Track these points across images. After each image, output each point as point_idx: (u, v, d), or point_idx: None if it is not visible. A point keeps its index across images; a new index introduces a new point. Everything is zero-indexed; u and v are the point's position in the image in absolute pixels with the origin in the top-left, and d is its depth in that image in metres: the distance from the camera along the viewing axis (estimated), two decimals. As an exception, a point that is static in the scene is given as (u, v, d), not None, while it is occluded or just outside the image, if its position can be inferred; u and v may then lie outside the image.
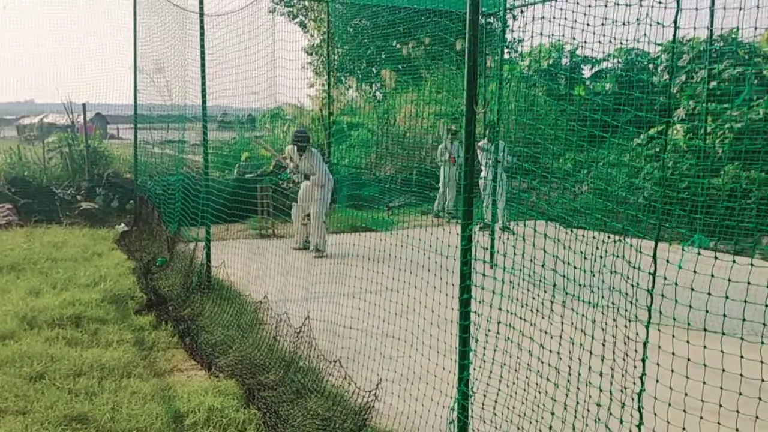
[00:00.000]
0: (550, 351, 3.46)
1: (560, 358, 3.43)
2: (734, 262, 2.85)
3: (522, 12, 16.91)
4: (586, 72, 18.31)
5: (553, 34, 3.36)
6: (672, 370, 2.98)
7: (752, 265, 2.98)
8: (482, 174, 11.03)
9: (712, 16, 10.05)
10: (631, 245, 3.03)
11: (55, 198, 13.52)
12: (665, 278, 2.83)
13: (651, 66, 15.44)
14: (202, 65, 7.75)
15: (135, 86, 12.65)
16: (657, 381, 2.92)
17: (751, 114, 11.75)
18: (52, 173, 15.26)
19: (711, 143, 11.69)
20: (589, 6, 2.78)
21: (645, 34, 2.63)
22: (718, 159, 11.50)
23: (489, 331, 3.62)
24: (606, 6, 2.64)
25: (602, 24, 2.72)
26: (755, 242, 9.85)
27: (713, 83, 12.38)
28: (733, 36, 13.55)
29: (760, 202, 10.43)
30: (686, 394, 2.92)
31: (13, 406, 4.71)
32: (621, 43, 2.93)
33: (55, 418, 4.50)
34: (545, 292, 3.52)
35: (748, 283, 3.10)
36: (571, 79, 16.38)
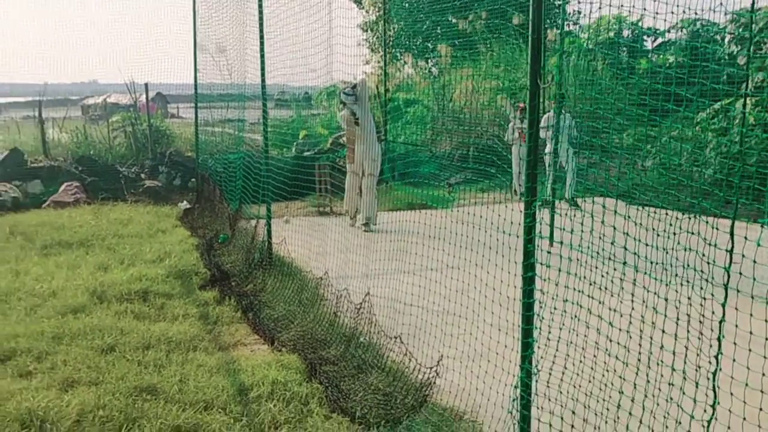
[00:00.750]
0: (620, 329, 3.39)
1: (630, 337, 3.36)
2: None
3: (582, -17, 16.45)
4: (649, 44, 17.76)
5: (621, 5, 3.25)
6: (750, 350, 2.88)
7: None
8: (546, 149, 10.78)
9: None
10: (706, 222, 2.93)
11: (120, 176, 13.88)
12: (743, 255, 2.73)
13: (718, 37, 14.87)
14: (261, 44, 7.78)
15: (195, 66, 12.82)
16: (734, 361, 2.84)
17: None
18: (117, 152, 15.66)
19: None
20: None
21: (721, 3, 2.51)
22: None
23: (555, 309, 3.56)
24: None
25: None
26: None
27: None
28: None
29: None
30: (764, 374, 2.83)
31: (85, 377, 4.87)
32: (696, 13, 2.80)
33: (126, 389, 4.63)
34: (615, 269, 3.44)
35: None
36: (634, 51, 15.90)
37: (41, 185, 13.16)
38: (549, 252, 3.52)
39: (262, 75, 7.85)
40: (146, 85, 16.79)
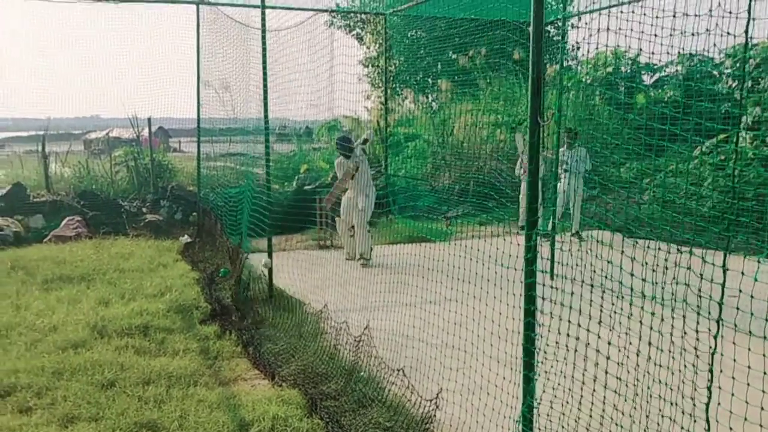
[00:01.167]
0: (617, 363, 3.41)
1: (627, 370, 3.38)
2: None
3: (580, 20, 16.70)
4: (647, 79, 17.95)
5: (618, 45, 3.33)
6: (748, 384, 2.91)
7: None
8: (559, 185, 10.84)
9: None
10: (700, 258, 2.97)
11: (122, 210, 13.95)
12: (740, 290, 2.77)
13: (715, 72, 15.06)
14: (264, 79, 7.90)
15: (198, 100, 12.97)
16: (732, 395, 2.86)
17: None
18: (119, 186, 15.74)
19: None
20: (657, 17, 2.75)
21: (715, 45, 2.59)
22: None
23: (557, 343, 3.58)
24: (674, 17, 2.61)
25: (670, 34, 2.69)
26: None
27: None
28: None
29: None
30: (763, 408, 2.85)
31: (85, 412, 4.87)
32: (690, 54, 2.88)
33: (126, 425, 4.63)
34: (612, 303, 3.48)
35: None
36: (632, 87, 16.08)
37: (43, 220, 13.21)
38: (548, 286, 3.55)
39: (265, 110, 7.96)
40: (149, 119, 16.94)
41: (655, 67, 17.19)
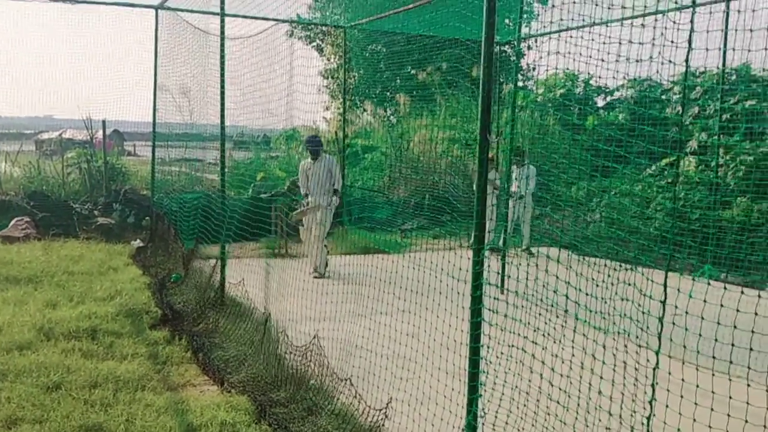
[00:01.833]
0: (561, 375, 3.53)
1: (571, 383, 3.50)
2: (742, 293, 2.93)
3: (536, 42, 17.08)
4: (600, 101, 18.42)
5: (565, 68, 3.47)
6: (681, 396, 3.04)
7: (760, 296, 3.05)
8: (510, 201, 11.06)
9: (724, 55, 10.18)
10: (642, 274, 3.11)
11: (73, 213, 13.69)
12: (676, 307, 2.91)
13: (663, 97, 15.55)
14: (222, 86, 7.91)
15: (154, 104, 12.85)
16: (667, 407, 2.99)
17: (763, 147, 11.82)
18: (71, 188, 15.46)
19: (723, 175, 11.75)
20: (604, 43, 2.89)
21: (657, 72, 2.74)
22: (729, 191, 11.55)
23: (502, 353, 3.69)
24: (620, 44, 2.75)
25: (616, 60, 2.83)
26: (766, 276, 9.86)
27: (725, 116, 12.47)
28: (746, 70, 13.64)
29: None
30: (695, 420, 2.98)
31: (30, 415, 4.80)
32: (640, 79, 3.02)
33: (71, 428, 4.59)
34: (557, 317, 3.60)
35: (756, 314, 3.16)
36: (584, 109, 16.50)
37: (-10, 219, 12.90)
38: (497, 299, 3.65)
39: (222, 117, 7.95)
40: (104, 121, 16.69)
41: (606, 90, 17.67)
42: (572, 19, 3.29)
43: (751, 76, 13.56)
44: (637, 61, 2.76)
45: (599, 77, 3.18)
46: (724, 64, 10.95)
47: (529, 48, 18.28)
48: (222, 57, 7.94)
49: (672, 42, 2.52)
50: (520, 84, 15.85)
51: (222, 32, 7.98)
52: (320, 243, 10.04)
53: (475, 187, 11.84)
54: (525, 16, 16.44)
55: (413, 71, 19.43)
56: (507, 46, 14.99)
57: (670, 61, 2.61)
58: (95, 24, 16.21)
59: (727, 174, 11.71)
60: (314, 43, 24.53)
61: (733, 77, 13.58)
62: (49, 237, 12.38)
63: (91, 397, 5.16)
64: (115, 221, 13.78)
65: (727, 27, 9.04)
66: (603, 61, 2.95)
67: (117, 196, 14.63)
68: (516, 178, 11.67)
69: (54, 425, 4.63)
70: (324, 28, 22.93)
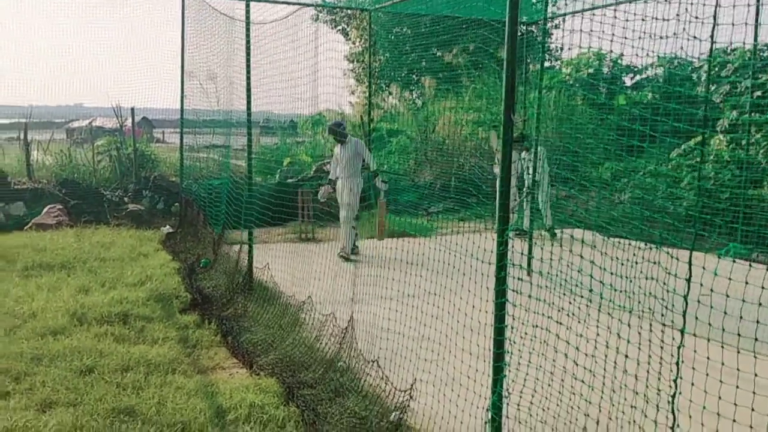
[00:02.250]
0: (586, 354, 3.52)
1: (596, 362, 3.49)
2: (769, 270, 2.90)
3: (564, 21, 16.84)
4: (627, 81, 18.15)
5: (591, 47, 3.44)
6: (707, 374, 3.02)
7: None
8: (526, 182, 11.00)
9: (756, 29, 9.94)
10: (668, 253, 3.08)
11: (104, 200, 13.91)
12: (701, 285, 2.88)
13: (694, 76, 15.26)
14: (248, 72, 7.94)
15: (182, 91, 12.96)
16: (692, 385, 2.97)
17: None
18: (101, 175, 15.68)
19: (754, 154, 11.52)
20: (627, 20, 2.85)
21: (682, 48, 2.70)
22: (761, 170, 11.34)
23: (526, 334, 3.69)
24: (643, 20, 2.71)
25: (640, 37, 2.79)
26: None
27: (757, 93, 12.21)
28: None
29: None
30: (720, 398, 2.97)
31: (64, 398, 4.91)
32: (658, 56, 2.98)
33: (104, 411, 4.68)
34: (582, 297, 3.59)
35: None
36: (612, 88, 16.27)
37: (24, 207, 13.16)
38: (521, 279, 3.65)
39: (248, 103, 7.99)
40: (132, 109, 16.87)
41: (635, 69, 17.39)
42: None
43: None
44: (661, 37, 2.71)
45: (625, 55, 3.13)
46: (756, 40, 10.69)
47: (556, 27, 18.04)
48: (248, 42, 7.95)
49: (696, 18, 2.48)
50: (546, 64, 15.64)
51: (247, 17, 8.00)
52: (348, 225, 10.09)
53: (496, 171, 11.78)
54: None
55: (439, 53, 19.29)
56: (534, 27, 14.80)
57: (695, 37, 2.56)
58: (122, 11, 16.37)
59: (758, 152, 11.49)
60: (339, 27, 24.48)
61: (766, 53, 13.29)
62: (80, 224, 12.59)
63: (123, 380, 5.27)
64: (144, 207, 13.98)
65: (759, 1, 8.84)
66: (626, 38, 2.91)
67: (146, 182, 14.81)
68: (521, 160, 11.47)
69: (87, 408, 4.73)
70: (349, 12, 22.86)
